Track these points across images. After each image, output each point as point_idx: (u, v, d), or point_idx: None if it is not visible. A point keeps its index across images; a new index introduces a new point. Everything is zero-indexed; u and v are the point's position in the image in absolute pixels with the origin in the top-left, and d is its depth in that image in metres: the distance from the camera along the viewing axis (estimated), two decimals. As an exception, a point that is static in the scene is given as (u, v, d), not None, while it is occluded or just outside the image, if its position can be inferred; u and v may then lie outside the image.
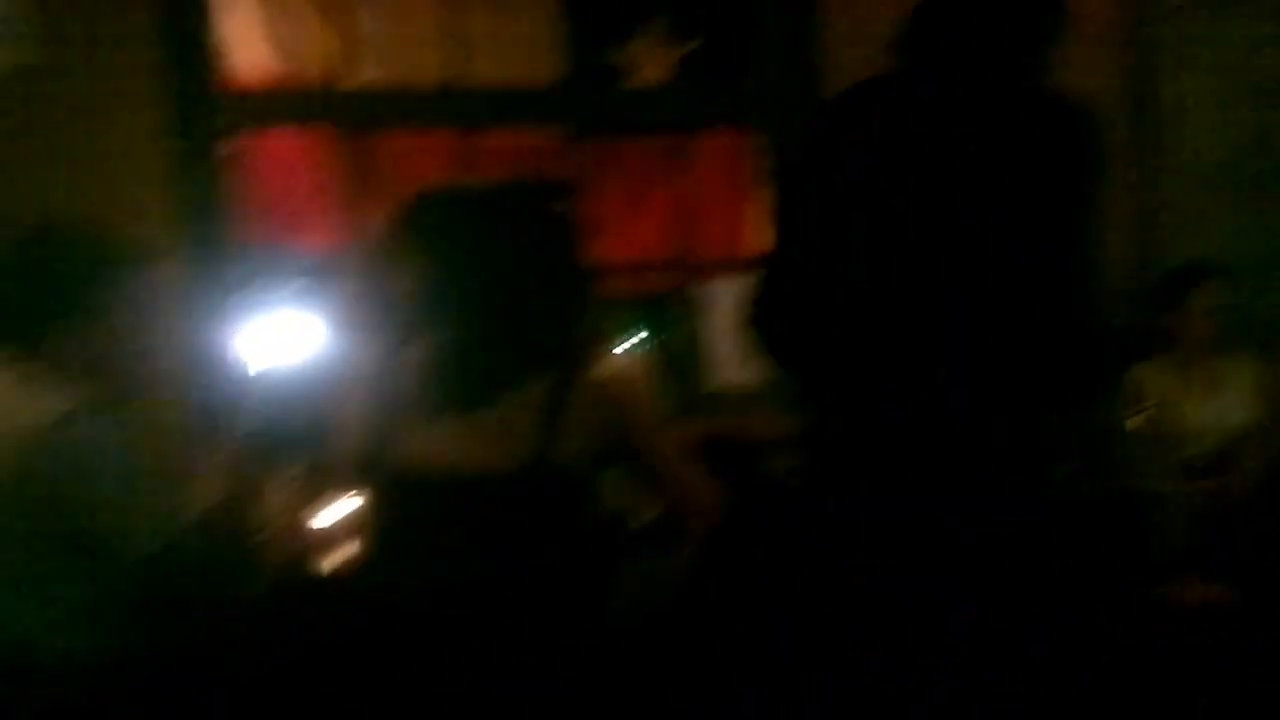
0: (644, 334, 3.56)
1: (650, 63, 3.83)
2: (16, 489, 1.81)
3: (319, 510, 2.48)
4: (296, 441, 2.24)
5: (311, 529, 2.34)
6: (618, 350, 2.73)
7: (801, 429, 2.10)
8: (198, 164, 2.89)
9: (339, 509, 2.46)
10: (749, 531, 2.37)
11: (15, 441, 1.81)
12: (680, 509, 2.05)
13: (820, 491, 2.08)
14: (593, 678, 1.92)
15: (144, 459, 1.91)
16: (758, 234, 3.48)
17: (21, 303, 1.97)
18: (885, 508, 1.95)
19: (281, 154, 3.52)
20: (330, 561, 2.38)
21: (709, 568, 2.07)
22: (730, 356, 4.10)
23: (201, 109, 2.89)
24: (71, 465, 1.81)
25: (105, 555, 1.84)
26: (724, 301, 4.17)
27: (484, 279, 1.94)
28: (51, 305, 1.97)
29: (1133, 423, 3.00)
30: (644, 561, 2.15)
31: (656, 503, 2.21)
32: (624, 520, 2.41)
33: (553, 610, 1.91)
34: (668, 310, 3.67)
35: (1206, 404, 3.17)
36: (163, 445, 2.46)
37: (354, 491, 2.23)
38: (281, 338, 2.89)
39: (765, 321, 2.07)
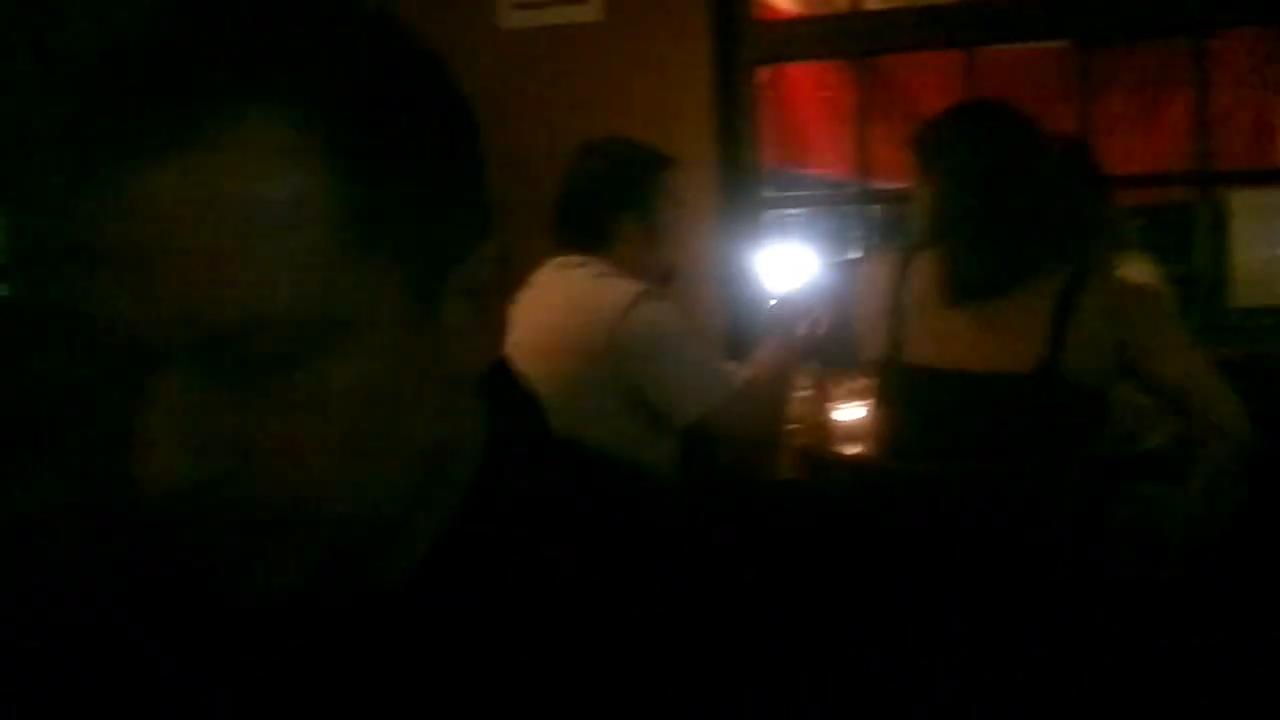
0: (1162, 249, 3.46)
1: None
2: (596, 365, 2.16)
3: (836, 407, 2.67)
4: (816, 343, 2.46)
5: (830, 423, 2.55)
6: (1135, 265, 2.69)
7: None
8: (733, 93, 3.19)
9: (853, 407, 2.65)
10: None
11: (598, 324, 2.16)
12: (1205, 435, 1.98)
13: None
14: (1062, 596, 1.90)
15: (690, 341, 2.21)
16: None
17: (586, 209, 2.34)
18: None
19: (802, 81, 3.76)
20: (848, 453, 2.59)
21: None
22: (1259, 273, 3.87)
23: (739, 41, 3.19)
24: (637, 343, 2.14)
25: (661, 423, 2.16)
26: (1249, 214, 3.94)
27: (999, 186, 2.05)
28: (610, 209, 2.32)
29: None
30: (1147, 486, 2.13)
31: (1171, 426, 2.19)
32: (1132, 440, 2.39)
33: (1051, 518, 1.90)
34: (1188, 224, 3.52)
35: None
36: (702, 330, 2.76)
37: (867, 390, 2.39)
38: (801, 249, 3.12)
39: None
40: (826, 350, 2.54)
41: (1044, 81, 3.47)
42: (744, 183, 3.22)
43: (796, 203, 4.05)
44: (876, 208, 3.77)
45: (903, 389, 2.13)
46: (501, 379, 0.66)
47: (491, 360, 0.63)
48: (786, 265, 3.43)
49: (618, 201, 2.29)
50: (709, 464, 2.25)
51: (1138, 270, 2.65)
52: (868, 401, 2.43)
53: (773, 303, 2.56)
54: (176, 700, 0.60)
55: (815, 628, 0.60)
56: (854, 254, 3.62)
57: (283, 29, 0.53)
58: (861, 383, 2.44)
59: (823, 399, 2.58)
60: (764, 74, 3.36)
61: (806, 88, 3.89)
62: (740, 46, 3.21)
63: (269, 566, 0.54)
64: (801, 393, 2.60)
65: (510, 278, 0.64)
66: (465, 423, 0.63)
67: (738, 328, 3.18)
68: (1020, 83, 3.44)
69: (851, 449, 2.39)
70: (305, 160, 0.51)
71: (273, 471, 0.52)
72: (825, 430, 2.52)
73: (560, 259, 2.29)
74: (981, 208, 2.05)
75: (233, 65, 0.51)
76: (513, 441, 0.65)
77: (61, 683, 0.61)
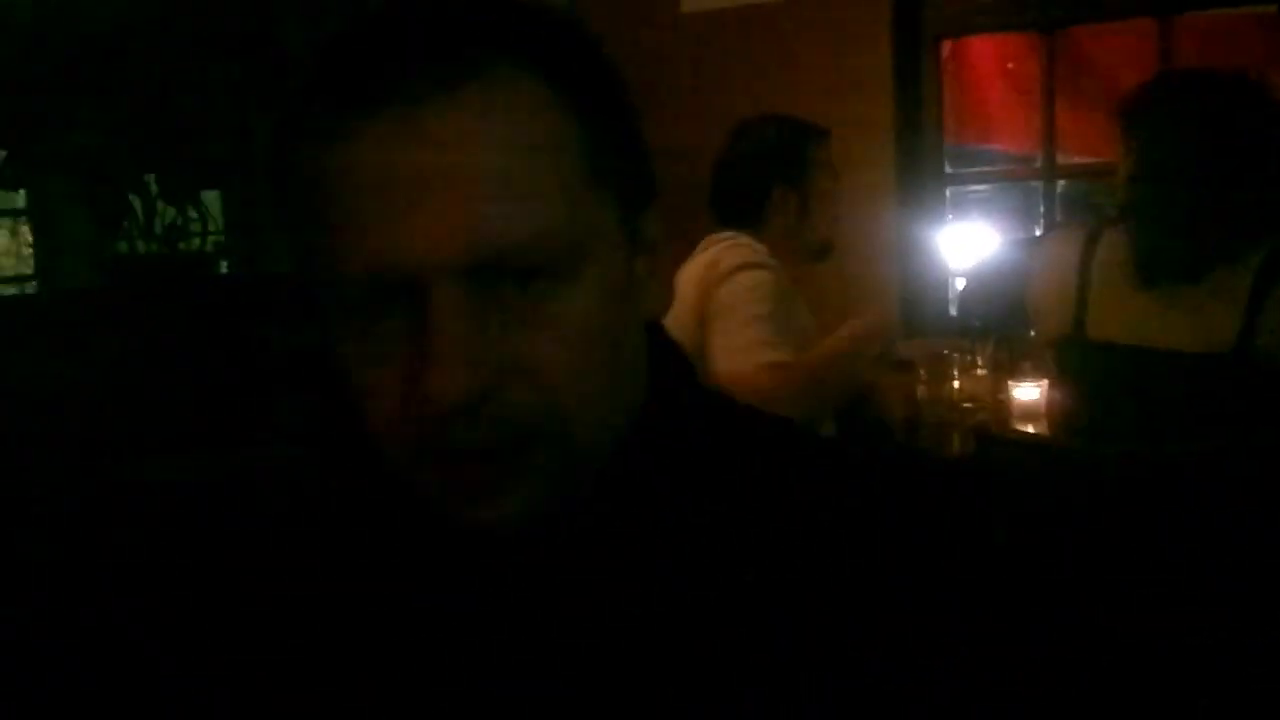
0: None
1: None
2: (698, 329, 2.20)
3: (1014, 385, 2.65)
4: (995, 319, 2.45)
5: (1008, 401, 2.53)
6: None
7: None
8: (914, 67, 3.19)
9: (1031, 385, 2.62)
10: None
11: (701, 291, 2.19)
12: None
13: None
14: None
15: (761, 307, 2.18)
16: None
17: (736, 185, 2.38)
18: None
19: (984, 56, 3.71)
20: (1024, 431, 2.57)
21: None
22: None
23: (921, 15, 3.18)
24: (720, 304, 2.16)
25: None
26: None
27: (1205, 167, 1.98)
28: (759, 184, 2.36)
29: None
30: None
31: None
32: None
33: (1239, 500, 1.81)
34: None
35: None
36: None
37: (1049, 367, 2.38)
38: (983, 226, 3.09)
39: None
40: (1005, 327, 2.53)
41: (1246, 49, 3.33)
42: (925, 158, 3.22)
43: (979, 178, 4.01)
44: (1062, 183, 3.70)
45: (1086, 366, 2.10)
46: (657, 334, 0.72)
47: (661, 314, 0.70)
48: (967, 242, 3.40)
49: (766, 176, 2.32)
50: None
51: None
52: (1045, 380, 2.41)
53: (960, 281, 2.55)
54: (394, 617, 0.68)
55: (942, 595, 0.64)
56: (1038, 231, 3.56)
57: (525, 9, 0.63)
58: (1040, 361, 2.41)
59: (1000, 376, 2.57)
60: (947, 47, 3.34)
61: (990, 60, 3.83)
62: (923, 20, 3.20)
63: (513, 484, 0.61)
64: (979, 370, 2.59)
65: (685, 254, 0.72)
66: (640, 366, 0.69)
67: (915, 304, 3.19)
68: (1219, 51, 3.31)
69: (1028, 428, 2.37)
70: (555, 109, 0.61)
71: (528, 388, 0.59)
72: (1002, 408, 2.51)
73: (712, 235, 2.33)
74: (1183, 190, 1.99)
75: (501, 30, 0.61)
76: (669, 390, 0.71)
77: (307, 596, 0.70)
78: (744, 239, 2.29)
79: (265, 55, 3.52)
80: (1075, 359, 2.12)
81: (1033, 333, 2.36)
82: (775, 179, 2.32)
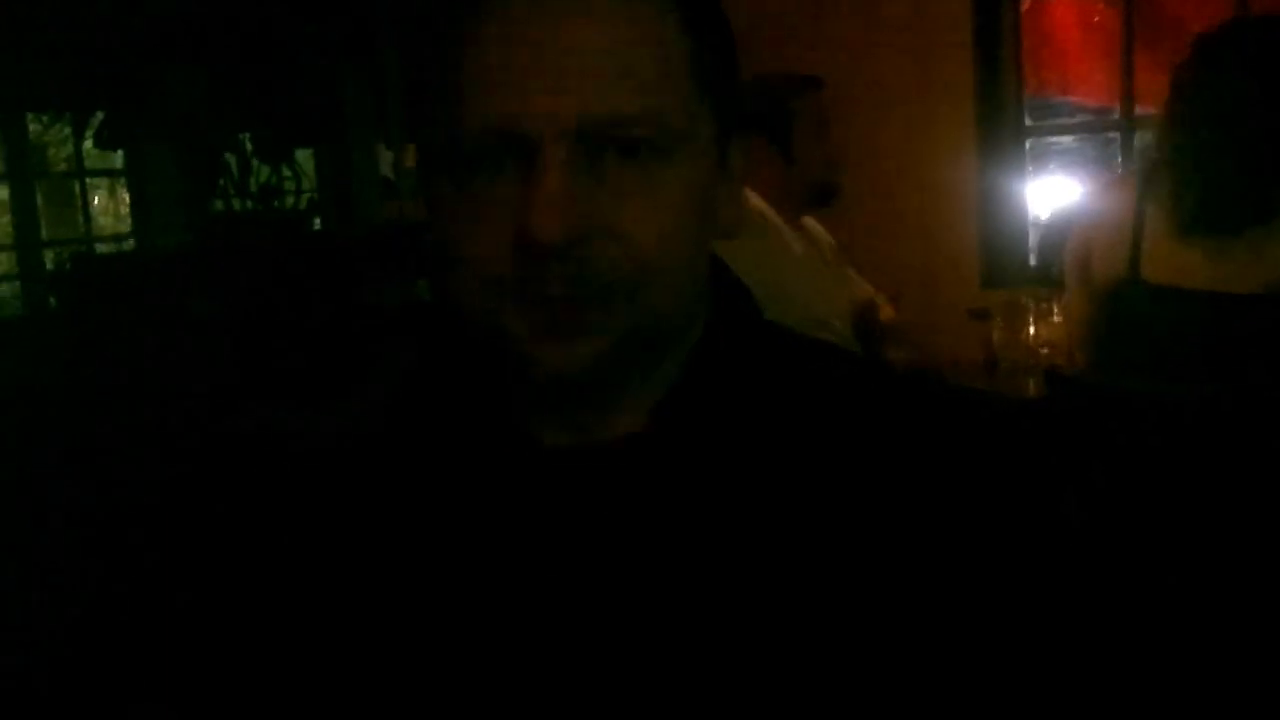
0: None
1: None
2: None
3: (1065, 330, 2.66)
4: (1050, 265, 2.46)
5: (1057, 345, 2.56)
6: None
7: None
8: (995, 21, 3.20)
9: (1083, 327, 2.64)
10: None
11: None
12: None
13: None
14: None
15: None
16: None
17: None
18: None
19: (1065, 7, 3.70)
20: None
21: None
22: None
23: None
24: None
25: None
26: None
27: (1262, 104, 2.00)
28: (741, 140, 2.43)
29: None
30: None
31: None
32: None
33: None
34: None
35: None
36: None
37: (1099, 310, 2.40)
38: (1064, 178, 3.10)
39: None
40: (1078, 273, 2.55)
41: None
42: (1005, 110, 3.23)
43: (1059, 130, 4.00)
44: (1140, 135, 3.68)
45: (1147, 310, 2.12)
46: (718, 265, 0.79)
47: (731, 237, 0.76)
48: (1047, 193, 3.41)
49: (745, 133, 2.37)
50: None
51: None
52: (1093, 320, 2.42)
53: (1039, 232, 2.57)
54: (482, 535, 0.73)
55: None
56: (1102, 173, 3.56)
57: None
58: (1090, 300, 2.43)
59: (1071, 322, 2.59)
60: (1027, 1, 3.34)
61: (1070, 14, 3.82)
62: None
63: (590, 329, 0.69)
64: (1055, 318, 2.62)
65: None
66: (706, 284, 0.76)
67: (996, 255, 3.21)
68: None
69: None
70: (671, 15, 0.69)
71: (618, 247, 0.68)
72: (1077, 353, 2.53)
73: None
74: (1221, 142, 2.01)
75: None
76: (730, 317, 0.77)
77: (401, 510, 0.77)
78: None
79: (353, 14, 3.62)
80: (1134, 304, 2.13)
81: (1067, 280, 2.37)
82: (753, 133, 2.37)
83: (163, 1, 3.36)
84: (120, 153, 4.72)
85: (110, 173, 6.20)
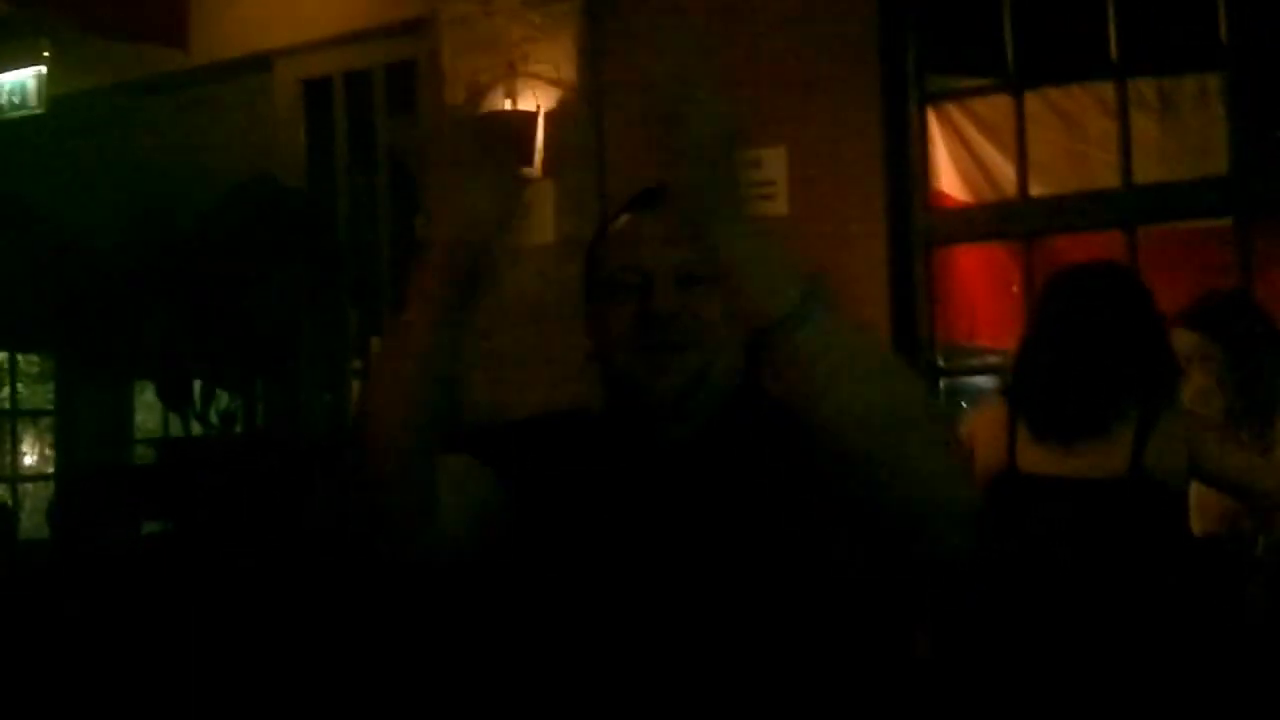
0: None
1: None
2: None
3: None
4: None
5: None
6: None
7: None
8: (908, 271, 3.55)
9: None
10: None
11: None
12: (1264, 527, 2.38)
13: None
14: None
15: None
16: None
17: None
18: None
19: (970, 262, 4.08)
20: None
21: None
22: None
23: (911, 224, 3.57)
24: None
25: None
26: None
27: (1080, 336, 2.41)
28: None
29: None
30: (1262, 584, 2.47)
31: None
32: (1244, 542, 2.62)
33: (1155, 610, 2.28)
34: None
35: None
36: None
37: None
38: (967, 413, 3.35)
39: None
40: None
41: (1199, 256, 3.69)
42: (917, 354, 3.54)
43: (968, 372, 4.33)
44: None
45: (1010, 494, 2.44)
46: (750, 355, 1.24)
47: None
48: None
49: None
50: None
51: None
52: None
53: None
54: (614, 497, 1.31)
55: None
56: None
57: None
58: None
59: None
60: (936, 254, 3.70)
61: (975, 265, 4.20)
62: (914, 230, 3.58)
63: (678, 367, 1.26)
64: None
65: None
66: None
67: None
68: (1177, 257, 3.67)
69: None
70: None
71: (695, 322, 1.27)
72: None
73: None
74: (1060, 359, 2.43)
75: None
76: (750, 370, 1.28)
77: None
78: None
79: (316, 260, 3.88)
80: (1000, 487, 2.45)
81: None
82: None
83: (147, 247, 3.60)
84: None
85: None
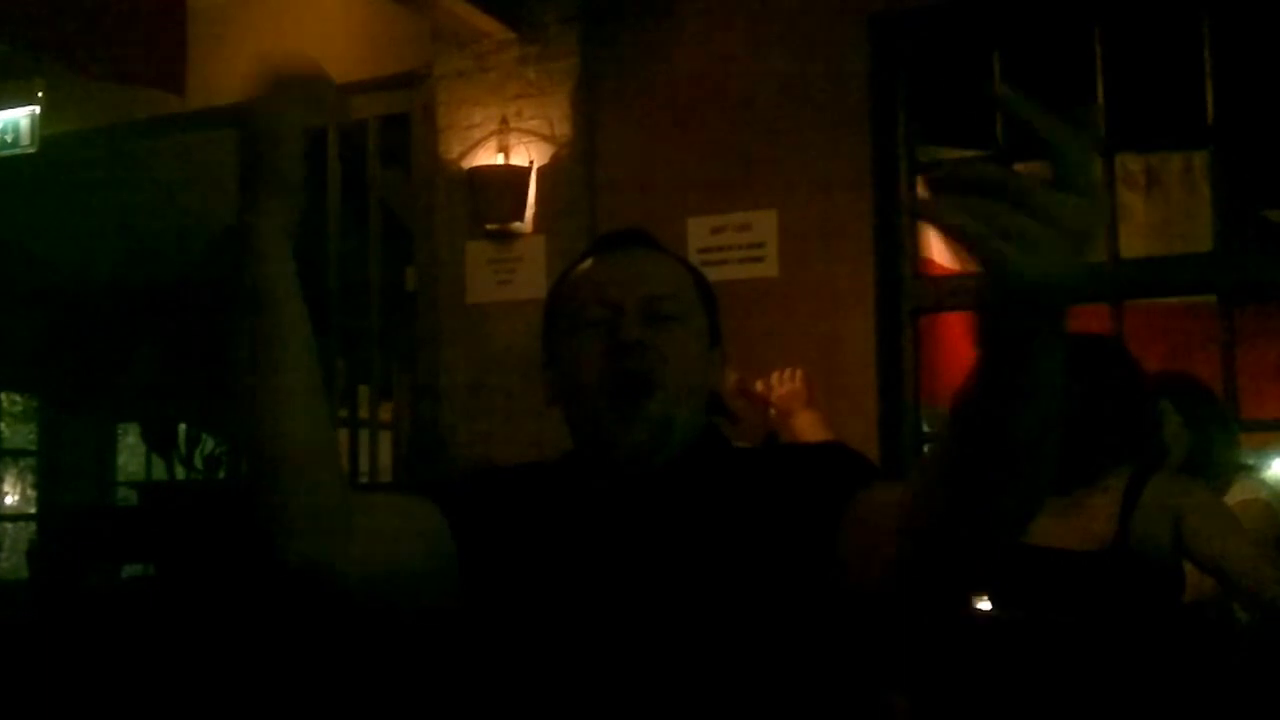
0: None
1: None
2: None
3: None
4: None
5: None
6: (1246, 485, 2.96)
7: None
8: (894, 337, 3.58)
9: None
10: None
11: None
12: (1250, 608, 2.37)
13: None
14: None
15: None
16: None
17: None
18: None
19: (958, 329, 4.11)
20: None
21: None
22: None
23: (900, 291, 3.61)
24: None
25: None
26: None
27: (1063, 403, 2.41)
28: None
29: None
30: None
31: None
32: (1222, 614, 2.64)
33: (1134, 685, 2.25)
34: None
35: None
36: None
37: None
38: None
39: None
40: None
41: (1180, 330, 3.74)
42: (902, 418, 3.56)
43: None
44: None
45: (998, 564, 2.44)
46: (713, 404, 1.41)
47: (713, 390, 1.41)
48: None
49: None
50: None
51: (1246, 488, 2.88)
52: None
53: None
54: (583, 527, 1.31)
55: None
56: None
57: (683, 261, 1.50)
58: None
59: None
60: (923, 321, 3.73)
61: (961, 333, 4.23)
62: (903, 296, 3.61)
63: (643, 417, 1.28)
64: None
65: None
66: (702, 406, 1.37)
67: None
68: (1158, 330, 3.71)
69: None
70: (678, 264, 1.42)
71: (659, 353, 1.29)
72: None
73: None
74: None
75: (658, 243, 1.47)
76: (713, 419, 1.39)
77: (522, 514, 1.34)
78: None
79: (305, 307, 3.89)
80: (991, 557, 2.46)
81: None
82: None
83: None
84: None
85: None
